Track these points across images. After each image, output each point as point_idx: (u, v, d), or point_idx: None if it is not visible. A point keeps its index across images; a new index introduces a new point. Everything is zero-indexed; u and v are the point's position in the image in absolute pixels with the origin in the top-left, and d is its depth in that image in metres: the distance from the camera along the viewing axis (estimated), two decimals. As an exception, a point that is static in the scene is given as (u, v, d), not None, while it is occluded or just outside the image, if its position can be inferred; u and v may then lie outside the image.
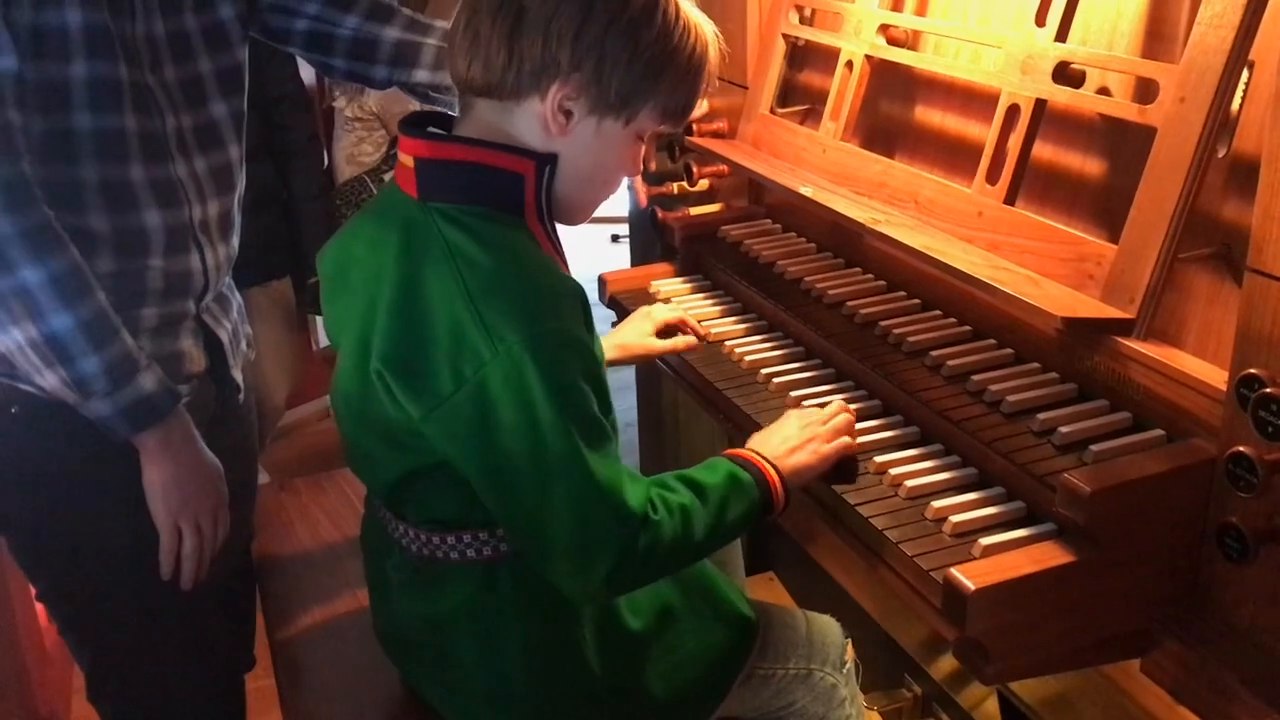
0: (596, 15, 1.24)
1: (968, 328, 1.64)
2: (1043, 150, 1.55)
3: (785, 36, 1.98)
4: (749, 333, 1.86)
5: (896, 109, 1.85)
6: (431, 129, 1.35)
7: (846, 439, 1.47)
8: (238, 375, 1.77)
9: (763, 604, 1.67)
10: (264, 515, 2.01)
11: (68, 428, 1.54)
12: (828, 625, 1.70)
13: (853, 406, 1.61)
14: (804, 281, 1.85)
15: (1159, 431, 1.36)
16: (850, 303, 1.76)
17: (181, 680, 1.73)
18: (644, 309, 1.81)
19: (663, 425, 2.77)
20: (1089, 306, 1.33)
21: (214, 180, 1.62)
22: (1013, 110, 1.50)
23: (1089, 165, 1.51)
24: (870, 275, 1.83)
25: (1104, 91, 1.45)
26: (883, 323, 1.69)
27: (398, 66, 1.75)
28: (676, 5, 1.29)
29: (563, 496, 1.22)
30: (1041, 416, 1.42)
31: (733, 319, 1.91)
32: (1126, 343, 1.37)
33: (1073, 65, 1.45)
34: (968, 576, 1.24)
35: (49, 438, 1.56)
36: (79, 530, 1.60)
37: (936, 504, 1.39)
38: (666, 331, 1.79)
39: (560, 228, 1.39)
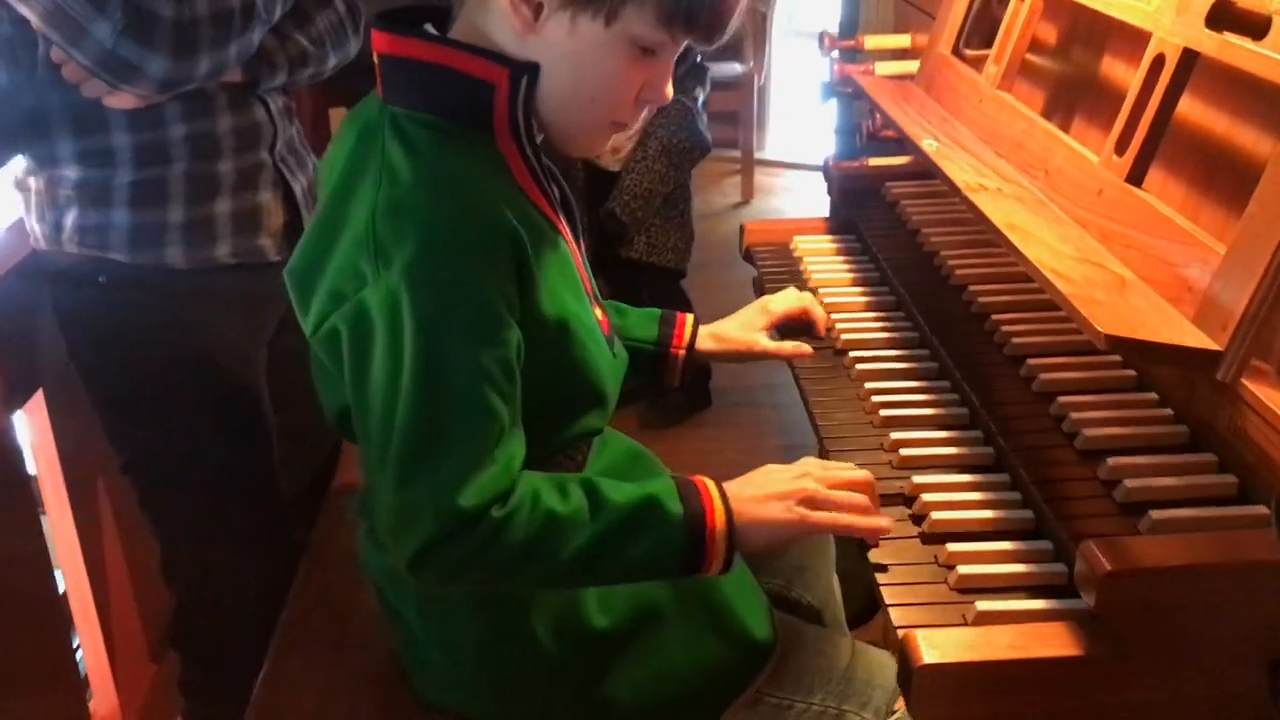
0: None
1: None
2: (1200, 117, 1.19)
3: (978, -37, 1.65)
4: (868, 308, 1.59)
5: (1064, 55, 1.50)
6: (428, 27, 1.20)
7: (839, 516, 1.14)
8: None
9: (797, 624, 1.43)
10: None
11: (152, 295, 1.60)
12: (880, 663, 1.42)
13: (938, 412, 1.33)
14: (938, 256, 1.56)
15: (1264, 509, 1.01)
16: (972, 287, 1.46)
17: (249, 559, 1.75)
18: (763, 299, 1.52)
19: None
20: (1159, 326, 0.99)
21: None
22: (1159, 62, 1.15)
23: (1253, 142, 1.14)
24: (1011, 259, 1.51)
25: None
26: (995, 316, 1.38)
27: None
28: None
29: (394, 457, 1.06)
30: (1111, 462, 1.09)
31: (860, 289, 1.64)
32: (1250, 385, 1.01)
33: (1240, 4, 1.08)
34: (927, 645, 0.97)
35: (134, 304, 1.61)
36: (161, 394, 1.65)
37: (952, 548, 1.11)
38: (787, 327, 1.51)
39: None
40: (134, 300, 1.60)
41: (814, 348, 1.49)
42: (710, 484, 1.15)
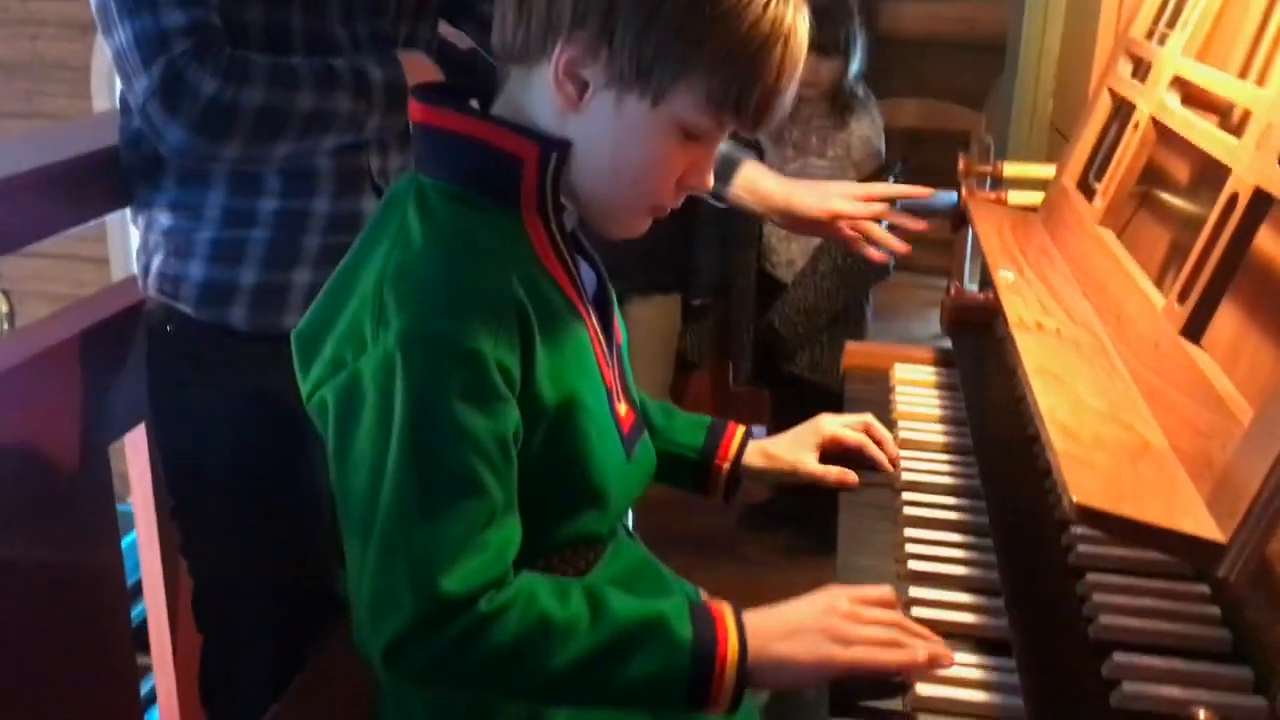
0: None
1: (1154, 509, 1.13)
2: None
3: (1111, 91, 1.50)
4: (945, 449, 1.44)
5: (1180, 189, 1.34)
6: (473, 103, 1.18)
7: (870, 653, 1.01)
8: None
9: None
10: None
11: (213, 353, 1.61)
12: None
13: (970, 573, 1.18)
14: (1023, 402, 1.40)
15: (1285, 748, 0.83)
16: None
17: (279, 619, 1.72)
18: (818, 418, 1.42)
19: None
20: (1153, 503, 0.83)
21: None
22: (1234, 202, 0.99)
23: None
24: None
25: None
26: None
27: None
28: None
29: (376, 535, 0.99)
30: (1117, 659, 0.93)
31: (942, 428, 1.49)
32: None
33: (1324, 143, 0.92)
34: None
35: (195, 358, 1.62)
36: (206, 449, 1.65)
37: (921, 732, 0.96)
38: (842, 453, 1.40)
39: None
40: (196, 354, 1.61)
41: (869, 481, 1.37)
42: (728, 611, 1.05)
